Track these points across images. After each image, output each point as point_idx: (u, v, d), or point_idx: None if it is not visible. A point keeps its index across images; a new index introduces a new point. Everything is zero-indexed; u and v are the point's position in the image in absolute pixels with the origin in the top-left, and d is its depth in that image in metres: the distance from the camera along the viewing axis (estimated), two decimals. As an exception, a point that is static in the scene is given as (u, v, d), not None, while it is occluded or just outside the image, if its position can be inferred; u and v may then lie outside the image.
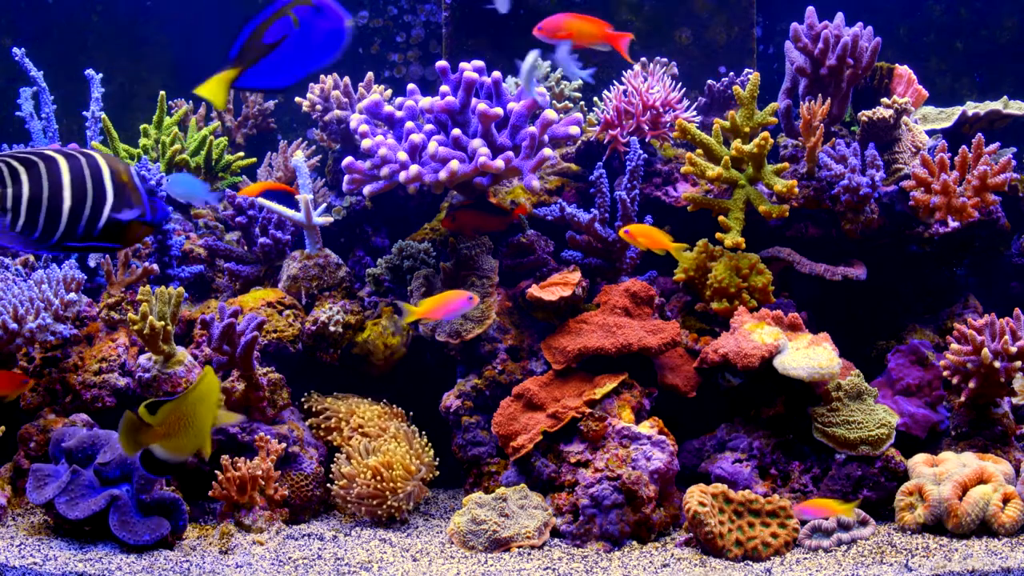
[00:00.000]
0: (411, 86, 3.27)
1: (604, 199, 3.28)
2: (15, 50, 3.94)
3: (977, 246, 3.41)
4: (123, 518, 2.58)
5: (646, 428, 2.82)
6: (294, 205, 3.44)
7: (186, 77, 4.57)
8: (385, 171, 3.05)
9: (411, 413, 3.21)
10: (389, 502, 2.85)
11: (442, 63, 3.17)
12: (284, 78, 2.30)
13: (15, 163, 2.24)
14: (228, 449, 2.91)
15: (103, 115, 3.84)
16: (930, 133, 3.58)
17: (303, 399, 3.24)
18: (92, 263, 3.41)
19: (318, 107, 3.85)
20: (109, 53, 4.56)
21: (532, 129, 3.08)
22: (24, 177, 2.24)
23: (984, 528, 2.61)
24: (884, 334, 3.42)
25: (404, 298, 3.31)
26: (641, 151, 3.35)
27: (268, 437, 2.88)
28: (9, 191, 2.23)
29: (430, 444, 3.06)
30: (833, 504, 2.59)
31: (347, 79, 3.83)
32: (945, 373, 2.97)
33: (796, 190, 3.14)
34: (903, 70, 3.58)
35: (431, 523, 2.95)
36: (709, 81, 3.86)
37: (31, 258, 3.36)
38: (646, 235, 3.02)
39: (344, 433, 3.08)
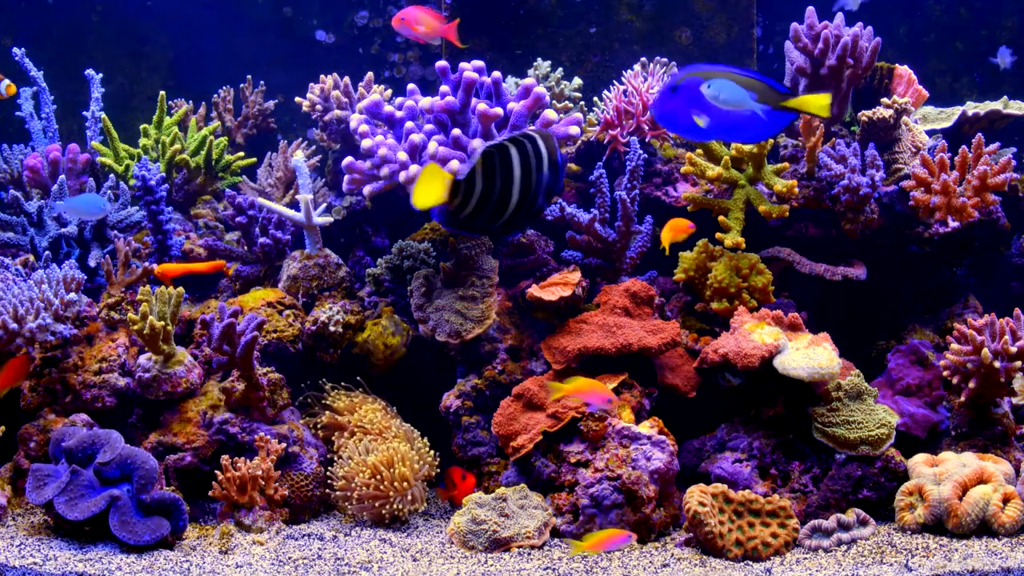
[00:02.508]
0: (411, 86, 3.27)
1: (604, 199, 3.28)
2: (15, 50, 3.94)
3: (977, 246, 3.41)
4: (123, 518, 2.58)
5: (646, 428, 2.82)
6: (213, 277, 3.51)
7: (186, 77, 4.57)
8: (385, 171, 3.05)
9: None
10: (389, 502, 2.85)
11: (442, 63, 3.17)
12: None
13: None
14: (228, 449, 2.92)
15: (103, 115, 3.84)
16: (930, 133, 3.58)
17: (311, 399, 3.24)
18: (92, 263, 3.42)
19: (318, 107, 3.85)
20: (109, 53, 4.56)
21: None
22: (479, 173, 2.27)
23: (984, 528, 2.61)
24: (884, 334, 3.42)
25: (404, 298, 3.31)
26: (641, 151, 3.35)
27: (268, 437, 2.88)
28: (462, 190, 2.27)
29: (429, 444, 3.06)
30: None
31: (347, 79, 3.83)
32: (945, 373, 2.97)
33: (796, 190, 3.14)
34: (903, 70, 3.58)
35: (431, 523, 2.96)
36: (709, 81, 3.86)
37: (31, 258, 3.36)
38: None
39: (344, 432, 3.08)
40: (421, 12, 3.28)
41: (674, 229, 3.12)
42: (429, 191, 2.24)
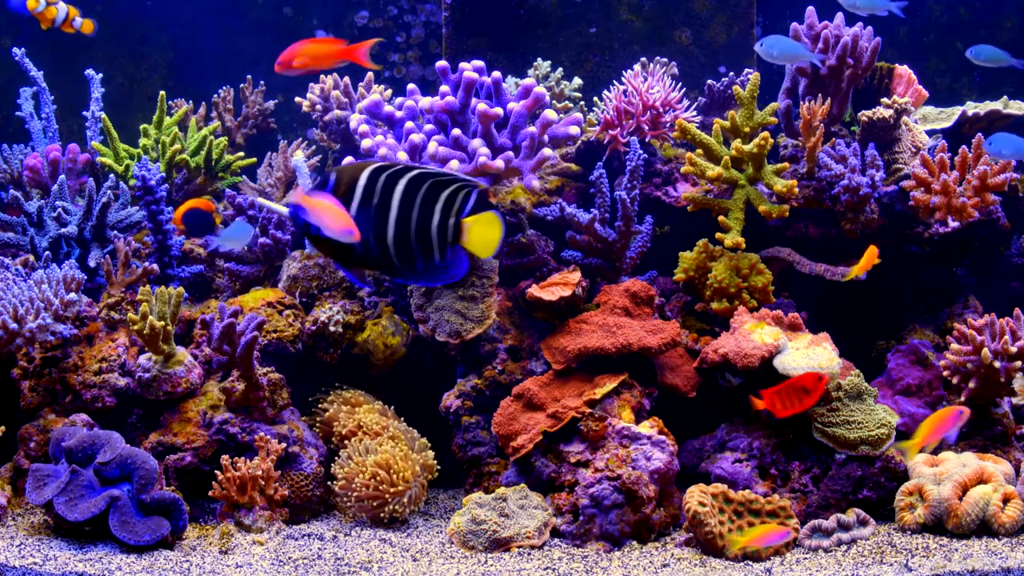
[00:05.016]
0: (411, 86, 3.27)
1: (604, 199, 3.28)
2: (15, 50, 3.94)
3: (977, 246, 3.41)
4: (123, 518, 2.58)
5: (646, 428, 2.82)
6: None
7: (186, 77, 4.57)
8: (385, 171, 3.05)
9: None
10: (389, 503, 2.85)
11: (442, 63, 3.17)
12: None
13: None
14: (228, 449, 2.92)
15: (103, 115, 3.84)
16: (930, 133, 3.58)
17: (314, 400, 3.24)
18: (92, 263, 3.42)
19: (318, 107, 3.85)
20: (109, 53, 4.56)
21: (532, 129, 3.08)
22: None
23: (984, 528, 2.61)
24: (884, 334, 3.42)
25: (404, 298, 3.31)
26: (641, 151, 3.35)
27: (268, 437, 2.88)
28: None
29: (429, 444, 3.06)
30: None
31: (347, 79, 3.83)
32: (945, 373, 2.97)
33: (796, 190, 3.14)
34: (903, 70, 3.58)
35: (431, 523, 2.96)
36: (709, 81, 3.86)
37: (31, 258, 3.36)
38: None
39: (344, 432, 3.08)
40: (304, 44, 3.03)
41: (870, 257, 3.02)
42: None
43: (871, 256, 3.00)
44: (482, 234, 2.17)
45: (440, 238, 2.14)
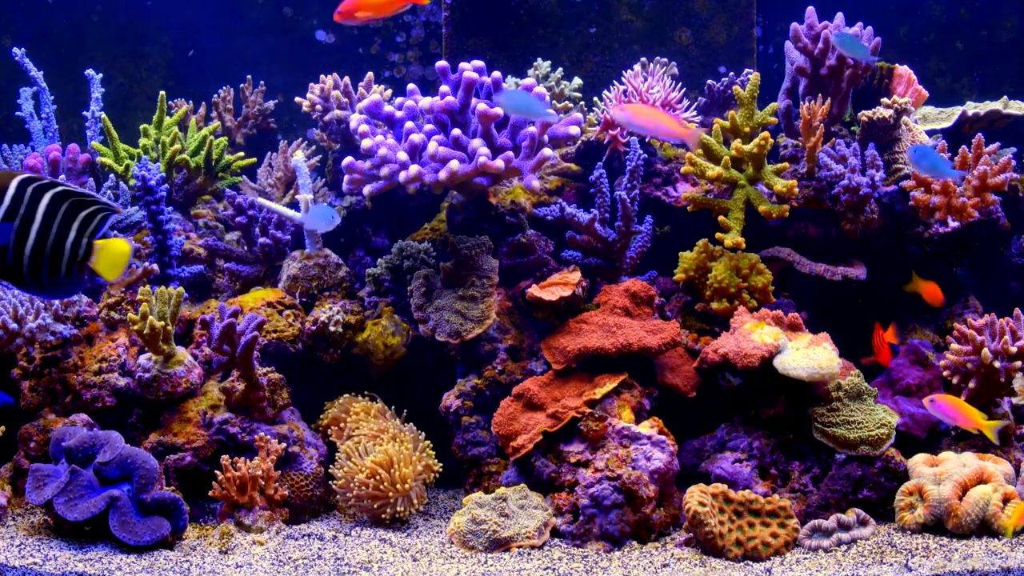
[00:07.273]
0: (411, 86, 3.27)
1: (604, 199, 3.28)
2: (15, 50, 3.94)
3: (977, 246, 3.41)
4: (123, 518, 2.58)
5: (646, 428, 2.82)
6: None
7: (186, 77, 4.57)
8: (385, 171, 3.05)
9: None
10: (389, 503, 2.85)
11: (442, 63, 3.17)
12: None
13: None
14: (228, 449, 2.92)
15: (103, 115, 3.84)
16: (930, 133, 3.58)
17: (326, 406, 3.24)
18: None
19: (318, 107, 3.85)
20: (109, 53, 4.56)
21: (532, 129, 3.08)
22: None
23: (984, 528, 2.61)
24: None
25: (404, 298, 3.31)
26: (641, 151, 3.35)
27: (268, 437, 2.88)
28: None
29: (431, 444, 3.06)
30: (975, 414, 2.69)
31: (347, 79, 3.83)
32: (945, 373, 2.97)
33: (796, 190, 3.14)
34: (903, 70, 3.58)
35: (431, 523, 2.96)
36: (709, 81, 3.86)
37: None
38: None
39: (344, 432, 3.08)
40: None
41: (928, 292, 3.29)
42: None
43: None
44: (110, 257, 2.28)
45: (71, 255, 2.21)
